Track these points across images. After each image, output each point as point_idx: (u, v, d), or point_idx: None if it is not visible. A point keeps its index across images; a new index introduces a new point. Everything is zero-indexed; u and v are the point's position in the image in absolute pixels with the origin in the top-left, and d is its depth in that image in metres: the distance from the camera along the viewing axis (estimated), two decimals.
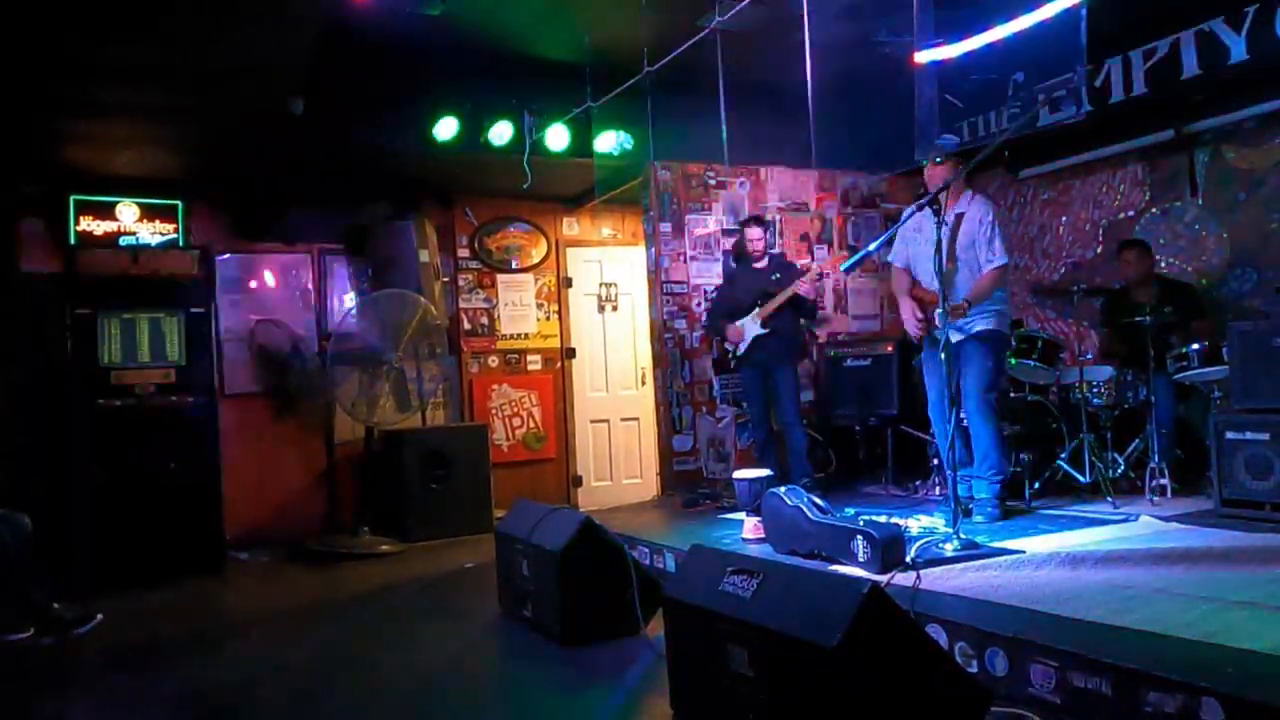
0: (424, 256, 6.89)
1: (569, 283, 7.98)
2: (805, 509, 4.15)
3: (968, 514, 4.70)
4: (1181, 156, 6.17)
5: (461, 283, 7.66)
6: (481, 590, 4.79)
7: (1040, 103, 5.86)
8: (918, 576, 3.37)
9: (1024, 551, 3.96)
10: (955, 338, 4.65)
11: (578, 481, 7.85)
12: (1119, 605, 3.01)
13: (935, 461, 5.76)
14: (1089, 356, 5.65)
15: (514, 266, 7.85)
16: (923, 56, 5.42)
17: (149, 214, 6.64)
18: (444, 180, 7.34)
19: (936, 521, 4.54)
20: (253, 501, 6.71)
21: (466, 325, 7.66)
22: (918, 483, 6.05)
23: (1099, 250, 6.65)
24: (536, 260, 7.94)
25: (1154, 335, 5.19)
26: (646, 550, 4.89)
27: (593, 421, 7.92)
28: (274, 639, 4.40)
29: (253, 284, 7.06)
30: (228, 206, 6.93)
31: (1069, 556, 3.82)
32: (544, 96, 6.37)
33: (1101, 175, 6.66)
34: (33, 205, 6.38)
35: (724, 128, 5.49)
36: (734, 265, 6.83)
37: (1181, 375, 5.16)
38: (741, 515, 4.80)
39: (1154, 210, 6.37)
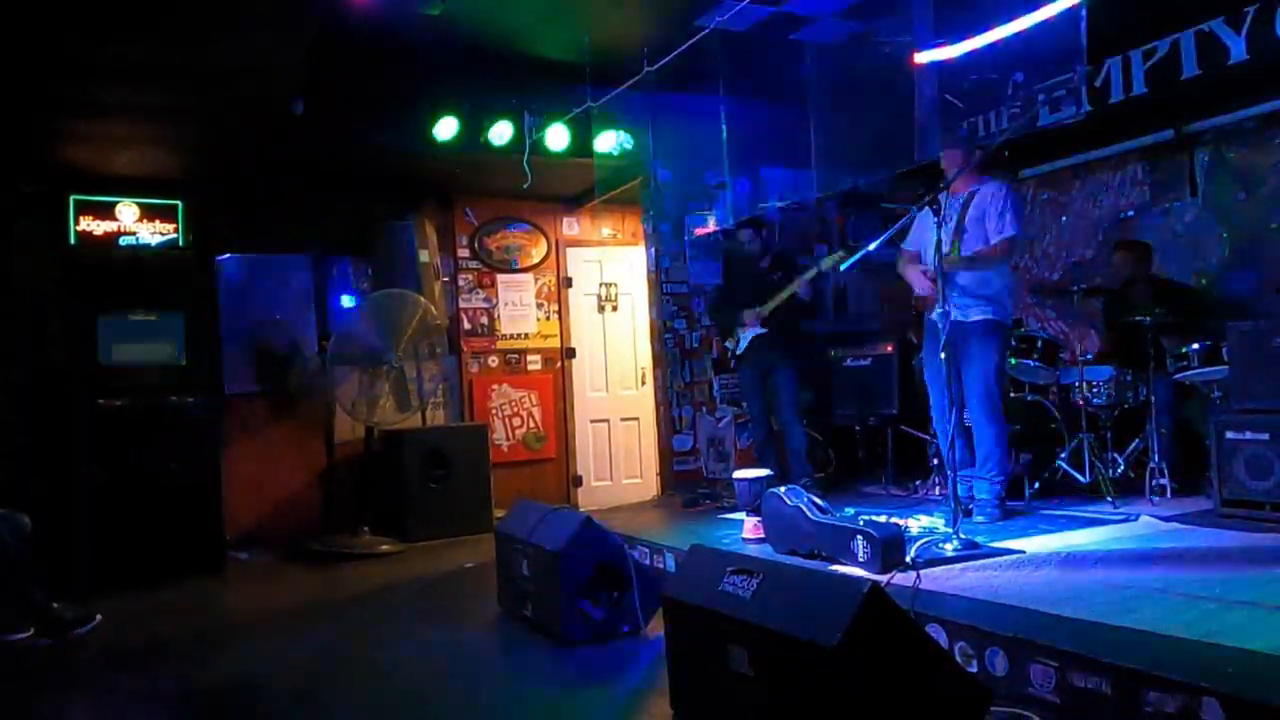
0: (424, 256, 6.89)
1: (569, 283, 7.98)
2: (805, 509, 4.15)
3: (968, 514, 4.69)
4: (1181, 156, 6.17)
5: (461, 283, 7.65)
6: (481, 590, 4.79)
7: (1040, 103, 5.87)
8: (918, 576, 3.37)
9: (1024, 551, 3.95)
10: (954, 315, 4.59)
11: (578, 481, 7.85)
12: (1119, 605, 3.01)
13: (935, 461, 5.76)
14: (1089, 356, 5.65)
15: (514, 266, 7.85)
16: (923, 56, 5.43)
17: (149, 214, 6.63)
18: (444, 180, 7.34)
19: (936, 521, 4.54)
20: (253, 501, 6.71)
21: (466, 325, 7.66)
22: (918, 483, 6.05)
23: (1099, 250, 6.65)
24: (536, 260, 7.94)
25: (1150, 336, 5.19)
26: (646, 550, 4.88)
27: (593, 421, 7.92)
28: (274, 639, 4.40)
29: (253, 284, 7.06)
30: (228, 206, 6.93)
31: (1069, 556, 3.82)
32: (544, 96, 6.37)
33: (1101, 175, 6.66)
34: (33, 205, 6.37)
35: (724, 128, 5.49)
36: (733, 265, 6.83)
37: (1181, 375, 5.16)
38: (741, 515, 4.80)
39: (1154, 210, 6.37)
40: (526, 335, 7.86)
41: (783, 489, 4.35)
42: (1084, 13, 4.62)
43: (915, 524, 4.49)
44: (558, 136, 6.41)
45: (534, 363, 7.86)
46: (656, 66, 5.28)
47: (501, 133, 6.35)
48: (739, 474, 4.85)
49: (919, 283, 4.85)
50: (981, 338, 4.68)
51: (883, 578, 3.38)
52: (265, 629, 4.61)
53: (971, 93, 6.60)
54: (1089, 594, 3.19)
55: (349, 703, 3.38)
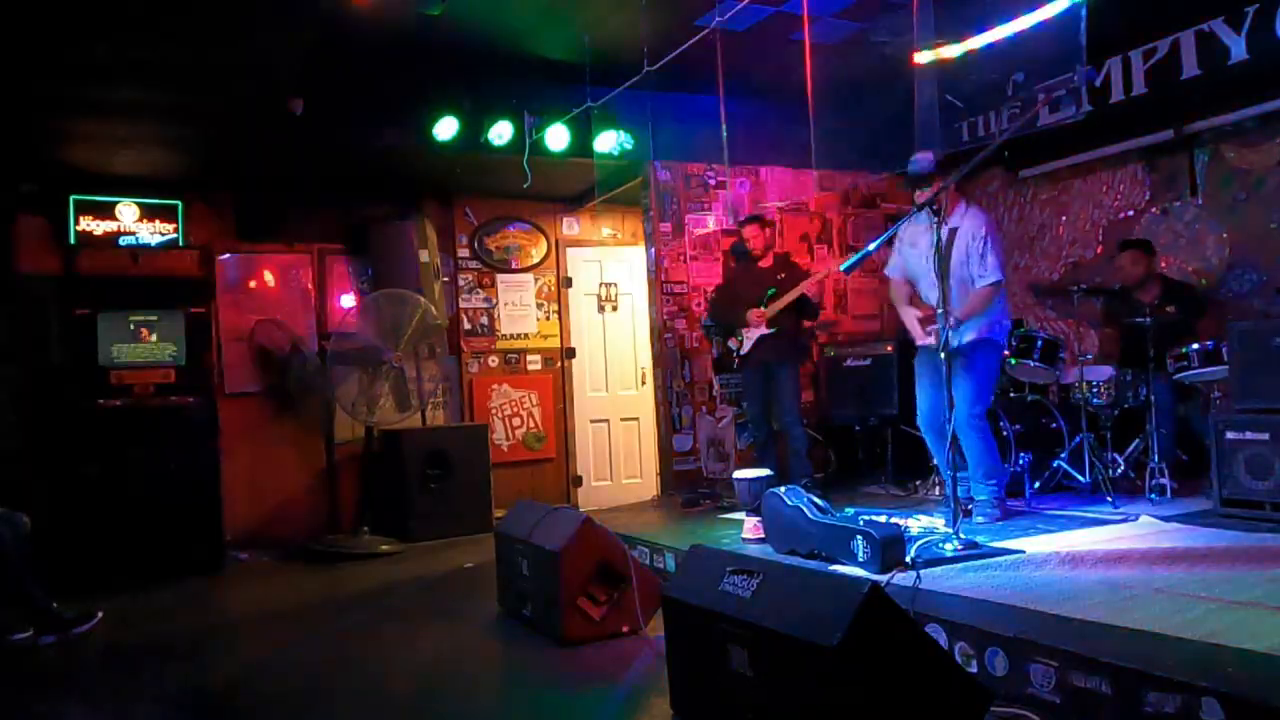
0: (424, 256, 6.89)
1: (569, 283, 7.98)
2: (805, 509, 4.15)
3: (967, 514, 4.69)
4: (1181, 156, 6.17)
5: (461, 283, 7.66)
6: (481, 590, 4.79)
7: (1040, 103, 5.87)
8: (918, 576, 3.37)
9: (1024, 551, 3.95)
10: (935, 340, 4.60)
11: (578, 481, 7.85)
12: (1119, 605, 3.01)
13: (934, 462, 5.76)
14: (1089, 356, 5.65)
15: (514, 266, 7.85)
16: (923, 56, 5.42)
17: (149, 214, 6.64)
18: (444, 180, 7.34)
19: (936, 521, 4.54)
20: (253, 501, 6.71)
21: (466, 325, 7.66)
22: (917, 483, 6.05)
23: (1099, 250, 6.65)
24: (536, 260, 7.94)
25: (1155, 335, 5.18)
26: (646, 550, 4.89)
27: (593, 421, 7.92)
28: (274, 639, 4.40)
29: (253, 284, 7.06)
30: (228, 206, 6.93)
31: (1069, 556, 3.82)
32: (544, 96, 6.37)
33: (1101, 175, 6.66)
34: (33, 205, 6.37)
35: (724, 128, 5.49)
36: (734, 265, 6.83)
37: (1181, 375, 5.16)
38: (741, 515, 4.80)
39: (1154, 210, 6.37)
40: (526, 335, 7.86)
41: (783, 489, 4.35)
42: (1084, 13, 4.62)
43: (915, 524, 4.49)
44: (558, 136, 6.41)
45: (534, 363, 7.86)
46: (656, 66, 5.28)
47: (501, 133, 6.34)
48: (739, 474, 4.85)
49: (915, 330, 4.75)
50: (968, 357, 4.59)
51: (883, 578, 3.39)
52: (265, 629, 4.61)
53: (971, 93, 6.62)
54: (1089, 594, 3.19)
55: (349, 703, 3.38)
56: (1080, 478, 5.36)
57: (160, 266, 6.01)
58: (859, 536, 3.78)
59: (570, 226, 8.06)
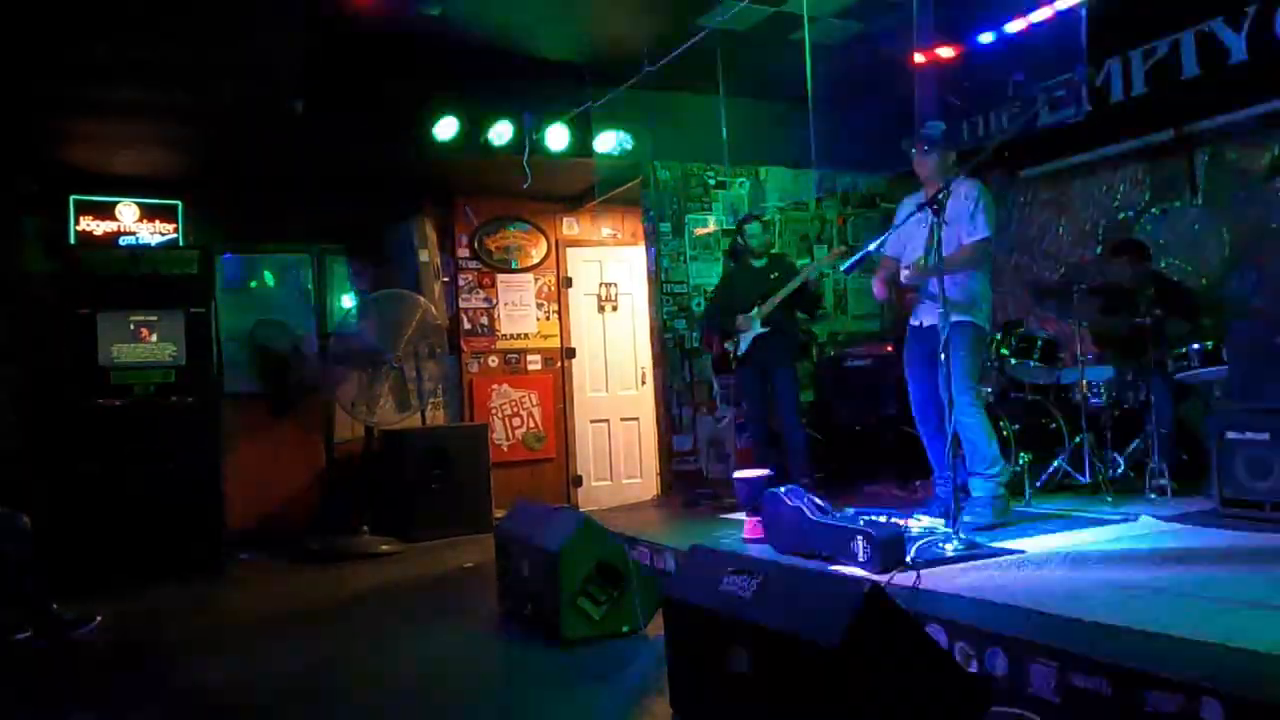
0: (424, 256, 6.89)
1: (569, 283, 7.98)
2: (805, 509, 4.15)
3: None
4: (1181, 156, 6.17)
5: (461, 283, 7.66)
6: (481, 590, 4.79)
7: (1040, 103, 5.87)
8: (918, 576, 3.37)
9: (1024, 551, 3.95)
10: (928, 322, 4.54)
11: (578, 481, 7.85)
12: (1119, 605, 3.01)
13: (930, 460, 5.75)
14: (1089, 357, 5.65)
15: (514, 266, 7.85)
16: (923, 56, 5.43)
17: (149, 214, 6.64)
18: (444, 180, 7.34)
19: (936, 521, 4.53)
20: (252, 501, 6.71)
21: (466, 325, 7.66)
22: (918, 483, 6.05)
23: (1099, 250, 6.65)
24: (536, 260, 7.94)
25: (1146, 336, 5.19)
26: (646, 550, 4.88)
27: (593, 421, 7.92)
28: (274, 639, 4.40)
29: (253, 284, 7.06)
30: (228, 206, 6.93)
31: (1069, 556, 3.81)
32: (544, 96, 6.37)
33: (1101, 175, 6.66)
34: (33, 205, 6.38)
35: (724, 128, 5.49)
36: (732, 265, 6.83)
37: (1181, 375, 5.16)
38: (741, 515, 4.79)
39: (1154, 210, 6.37)
40: (526, 335, 7.86)
41: (783, 489, 4.35)
42: (1084, 13, 4.63)
43: (915, 524, 4.48)
44: (558, 136, 6.41)
45: (534, 363, 7.86)
46: (656, 66, 5.28)
47: (501, 133, 6.35)
48: (739, 474, 4.84)
49: (876, 288, 4.84)
50: (952, 339, 4.34)
51: (883, 578, 3.38)
52: (265, 629, 4.60)
53: (971, 93, 6.62)
54: (1089, 594, 3.19)
55: (349, 703, 3.38)
56: (1080, 478, 5.35)
57: (160, 266, 6.00)
58: (859, 536, 3.78)
59: (570, 226, 8.06)
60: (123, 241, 6.47)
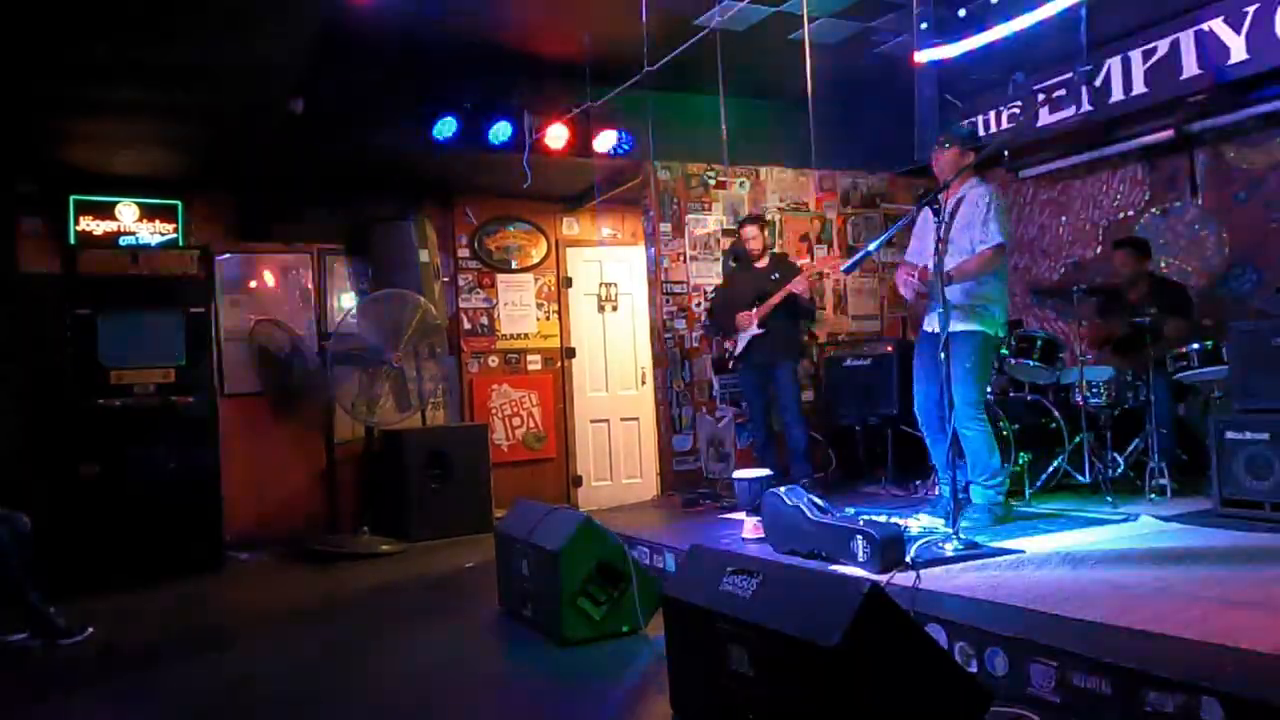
0: (424, 256, 6.89)
1: (569, 283, 7.98)
2: (805, 509, 4.15)
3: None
4: (1181, 156, 6.17)
5: (461, 283, 7.66)
6: (481, 590, 4.79)
7: (1040, 103, 5.87)
8: (918, 576, 3.37)
9: (1024, 551, 3.95)
10: (933, 328, 4.48)
11: (578, 481, 7.85)
12: (1119, 605, 3.01)
13: (933, 460, 5.75)
14: (1089, 357, 5.65)
15: (514, 266, 7.85)
16: (923, 56, 5.43)
17: (149, 214, 6.64)
18: (444, 180, 7.34)
19: (936, 521, 4.53)
20: (253, 501, 6.71)
21: (466, 325, 7.66)
22: (918, 483, 6.05)
23: (1099, 250, 6.65)
24: (536, 260, 7.94)
25: (1140, 334, 5.20)
26: (646, 550, 4.89)
27: (593, 421, 7.92)
28: (274, 639, 4.40)
29: (253, 284, 7.06)
30: (228, 206, 6.94)
31: (1069, 556, 3.82)
32: (544, 96, 6.37)
33: (1101, 175, 6.66)
34: (33, 205, 6.38)
35: (724, 128, 5.49)
36: (732, 265, 6.83)
37: (1181, 375, 5.16)
38: (741, 515, 4.79)
39: (1154, 210, 6.37)
40: (526, 335, 7.86)
41: (783, 489, 4.35)
42: (1084, 13, 4.62)
43: (915, 524, 4.49)
44: (557, 136, 6.41)
45: (534, 363, 7.86)
46: (656, 66, 5.28)
47: (501, 133, 6.34)
48: (739, 474, 4.85)
49: (903, 288, 4.71)
50: (959, 347, 4.44)
51: (883, 578, 3.38)
52: (265, 629, 4.60)
53: (971, 93, 6.62)
54: (1089, 594, 3.19)
55: (349, 703, 3.38)
56: (1080, 478, 5.35)
57: (160, 266, 5.99)
58: (859, 536, 3.78)
59: (570, 226, 8.06)
60: (123, 241, 6.47)
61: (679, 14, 5.35)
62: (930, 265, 4.48)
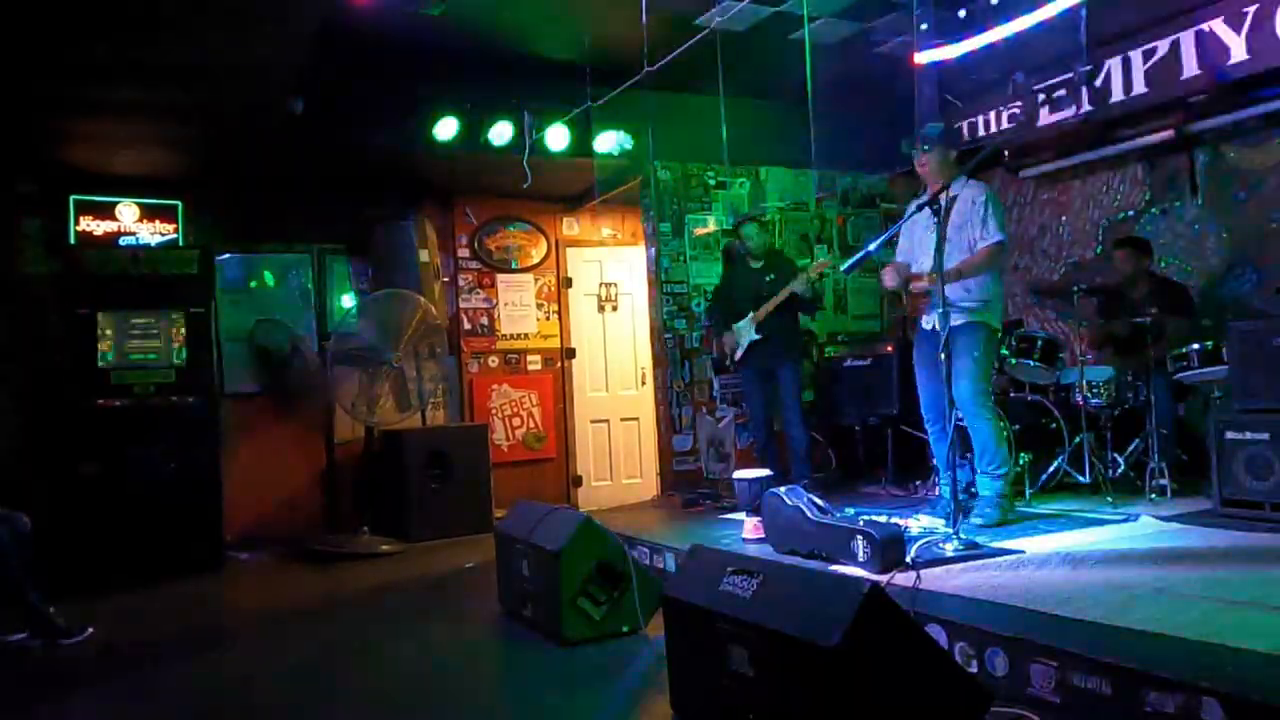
0: (424, 256, 6.89)
1: (569, 283, 7.98)
2: (805, 509, 4.15)
3: (965, 513, 4.65)
4: (1181, 156, 6.17)
5: (461, 283, 7.66)
6: (481, 590, 4.79)
7: (1040, 103, 5.87)
8: (918, 576, 3.37)
9: (1024, 551, 3.95)
10: (933, 324, 4.52)
11: (578, 481, 7.85)
12: (1119, 605, 3.01)
13: (935, 461, 5.75)
14: (1089, 357, 5.65)
15: (514, 266, 7.85)
16: (923, 56, 5.43)
17: (149, 214, 6.64)
18: (444, 180, 7.34)
19: (936, 522, 4.53)
20: (253, 501, 6.70)
21: (466, 325, 7.66)
22: (918, 483, 6.05)
23: (1099, 250, 6.65)
24: (536, 260, 7.94)
25: (1139, 334, 5.20)
26: (646, 550, 4.89)
27: (593, 421, 7.92)
28: (274, 639, 4.40)
29: (253, 284, 7.06)
30: (228, 206, 6.93)
31: (1069, 556, 3.82)
32: (544, 96, 6.37)
33: (1101, 175, 6.66)
34: (33, 205, 6.37)
35: (724, 128, 5.49)
36: (731, 266, 6.82)
37: (1181, 375, 5.16)
38: (741, 515, 4.79)
39: (1154, 210, 6.37)
40: (526, 335, 7.86)
41: (783, 489, 4.35)
42: (1084, 13, 4.63)
43: (915, 524, 4.49)
44: (558, 136, 6.41)
45: (534, 363, 7.86)
46: (656, 66, 5.28)
47: (501, 133, 6.35)
48: (739, 474, 4.85)
49: (886, 275, 4.83)
50: (966, 339, 4.52)
51: (883, 578, 3.39)
52: (265, 629, 4.60)
53: (971, 93, 6.62)
54: (1089, 594, 3.19)
55: (349, 703, 3.38)
56: (1080, 478, 5.35)
57: (160, 266, 5.99)
58: (859, 536, 3.78)
59: (570, 226, 8.06)
60: (123, 241, 6.47)
61: (679, 14, 5.35)
62: (920, 266, 4.52)
